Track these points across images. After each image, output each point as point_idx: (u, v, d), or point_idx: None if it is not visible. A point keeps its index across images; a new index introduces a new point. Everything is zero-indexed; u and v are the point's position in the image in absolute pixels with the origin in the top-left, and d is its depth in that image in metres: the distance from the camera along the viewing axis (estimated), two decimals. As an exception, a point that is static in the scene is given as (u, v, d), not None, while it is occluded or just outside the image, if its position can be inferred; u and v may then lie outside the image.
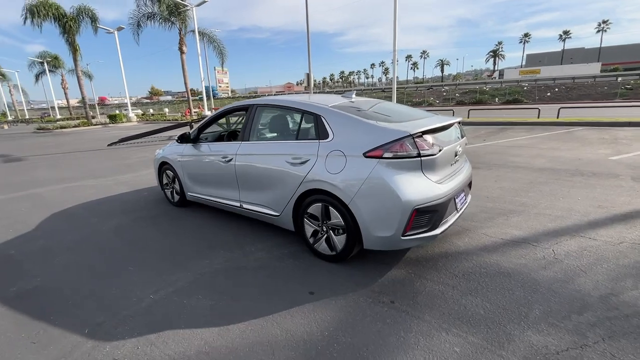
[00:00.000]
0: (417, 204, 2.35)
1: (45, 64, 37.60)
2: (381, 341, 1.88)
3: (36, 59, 37.98)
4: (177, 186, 4.43)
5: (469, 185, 3.23)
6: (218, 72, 39.85)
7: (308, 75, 23.28)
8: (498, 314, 2.06)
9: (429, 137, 2.55)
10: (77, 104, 50.66)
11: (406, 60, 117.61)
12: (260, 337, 1.96)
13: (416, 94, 35.49)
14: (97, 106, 45.58)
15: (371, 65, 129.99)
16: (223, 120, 4.79)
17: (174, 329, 2.06)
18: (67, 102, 45.86)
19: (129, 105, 28.51)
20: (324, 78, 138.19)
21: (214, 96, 35.70)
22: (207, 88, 25.55)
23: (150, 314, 2.23)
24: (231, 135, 4.47)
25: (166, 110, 38.59)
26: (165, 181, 4.70)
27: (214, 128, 4.59)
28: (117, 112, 29.14)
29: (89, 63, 51.27)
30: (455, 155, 2.86)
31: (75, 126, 23.86)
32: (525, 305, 2.13)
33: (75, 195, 5.43)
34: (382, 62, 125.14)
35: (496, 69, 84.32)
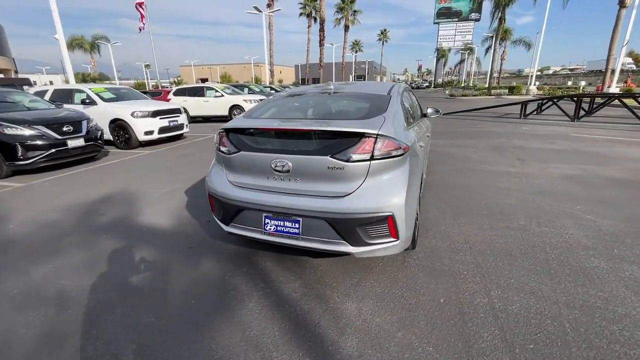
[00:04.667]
0: (209, 189, 2.57)
1: (493, 39, 42.66)
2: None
3: (488, 34, 44.02)
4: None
5: (333, 224, 2.11)
6: None
7: None
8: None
9: (234, 136, 2.43)
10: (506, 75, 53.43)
11: None
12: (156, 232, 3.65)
13: None
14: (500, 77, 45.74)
15: None
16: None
17: (139, 215, 4.21)
18: (495, 72, 50.03)
19: (533, 77, 26.77)
20: None
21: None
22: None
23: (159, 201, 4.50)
24: None
25: (582, 83, 31.13)
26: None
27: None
28: (515, 83, 28.51)
29: (538, 32, 50.65)
30: (283, 172, 2.20)
31: (473, 95, 27.13)
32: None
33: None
34: None
35: None
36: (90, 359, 1.74)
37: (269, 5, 30.50)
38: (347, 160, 2.03)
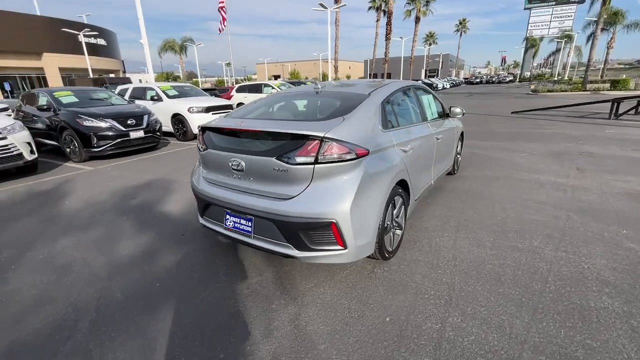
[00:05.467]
0: (191, 183, 2.77)
1: (596, 24, 35.88)
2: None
3: (592, 19, 37.16)
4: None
5: (278, 226, 2.12)
6: None
7: None
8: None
9: (207, 134, 2.55)
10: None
11: None
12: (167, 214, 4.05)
13: None
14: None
15: None
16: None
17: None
18: (597, 62, 41.98)
19: (647, 68, 21.78)
20: None
21: None
22: None
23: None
24: None
25: None
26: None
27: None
28: (624, 76, 23.48)
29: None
30: (239, 170, 2.27)
31: (562, 91, 23.40)
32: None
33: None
34: None
35: None
36: (58, 320, 2.06)
37: (336, 1, 30.56)
38: (291, 163, 2.01)
